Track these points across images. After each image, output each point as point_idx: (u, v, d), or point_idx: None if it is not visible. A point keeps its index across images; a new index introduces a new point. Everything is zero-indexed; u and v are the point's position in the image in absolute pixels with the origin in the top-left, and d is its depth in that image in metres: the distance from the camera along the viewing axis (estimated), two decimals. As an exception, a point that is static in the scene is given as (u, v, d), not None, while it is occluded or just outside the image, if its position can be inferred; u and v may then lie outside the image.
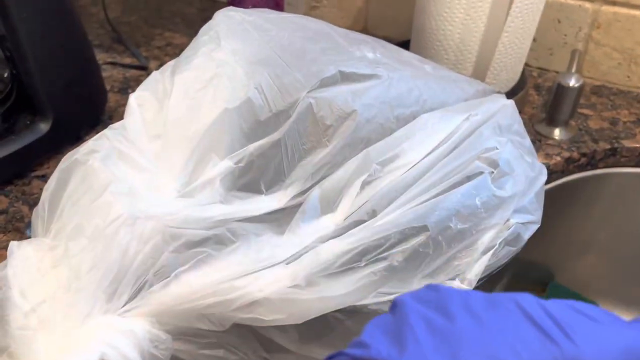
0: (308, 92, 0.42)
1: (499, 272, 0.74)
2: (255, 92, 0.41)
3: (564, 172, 0.68)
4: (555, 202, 0.70)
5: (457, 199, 0.37)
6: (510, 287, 0.77)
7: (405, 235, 0.36)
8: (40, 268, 0.34)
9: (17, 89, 0.61)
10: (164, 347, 0.34)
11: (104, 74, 0.81)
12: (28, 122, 0.61)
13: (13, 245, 0.35)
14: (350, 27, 0.67)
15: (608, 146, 0.68)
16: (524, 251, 0.74)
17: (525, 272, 0.78)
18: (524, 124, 0.71)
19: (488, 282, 0.71)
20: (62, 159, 0.39)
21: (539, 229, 0.72)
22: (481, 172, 0.39)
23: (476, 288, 0.60)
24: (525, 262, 0.77)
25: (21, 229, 0.55)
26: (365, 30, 0.93)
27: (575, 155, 0.67)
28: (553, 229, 0.74)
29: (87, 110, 0.67)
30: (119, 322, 0.33)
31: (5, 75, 0.60)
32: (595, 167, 0.70)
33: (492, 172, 0.40)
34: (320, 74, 0.43)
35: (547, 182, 0.68)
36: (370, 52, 0.49)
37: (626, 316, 0.80)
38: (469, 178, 0.39)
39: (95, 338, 0.32)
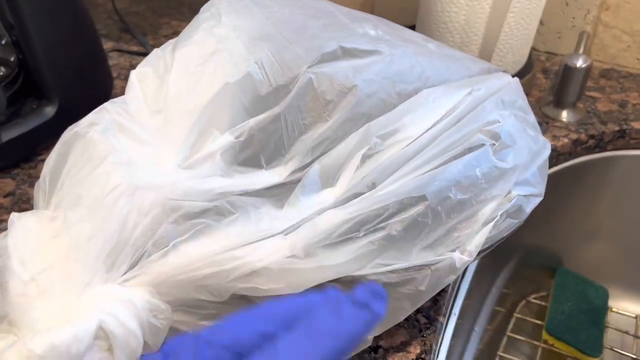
0: (308, 67, 0.42)
1: (505, 256, 0.74)
2: (256, 67, 0.41)
3: (571, 155, 0.67)
4: (562, 184, 0.69)
5: (457, 169, 0.37)
6: (518, 272, 0.76)
7: (404, 205, 0.35)
8: (41, 238, 0.34)
9: (24, 73, 0.61)
10: (163, 317, 0.34)
11: (111, 62, 0.81)
12: (34, 106, 0.61)
13: (14, 216, 0.35)
14: (356, 12, 0.67)
15: (617, 128, 0.68)
16: (531, 235, 0.74)
17: (532, 258, 0.77)
18: (531, 106, 0.71)
19: (493, 268, 0.70)
20: (63, 133, 0.39)
21: (545, 212, 0.71)
22: (482, 144, 0.39)
23: (483, 263, 0.60)
24: (532, 247, 0.76)
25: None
26: (371, 17, 0.92)
27: (583, 137, 0.67)
28: (560, 213, 0.73)
29: (94, 95, 0.67)
30: (118, 291, 0.33)
31: (12, 59, 0.61)
32: (604, 149, 0.69)
33: (494, 144, 0.40)
34: (321, 49, 0.43)
35: (553, 165, 0.67)
36: (373, 29, 0.49)
37: (637, 303, 0.79)
38: (470, 150, 0.39)
39: (94, 306, 0.32)
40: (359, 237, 0.35)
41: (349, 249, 0.35)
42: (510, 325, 0.76)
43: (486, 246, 0.38)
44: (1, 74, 0.60)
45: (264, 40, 0.43)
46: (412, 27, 0.77)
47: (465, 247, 0.37)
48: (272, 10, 0.46)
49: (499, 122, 0.42)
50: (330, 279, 0.35)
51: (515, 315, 0.77)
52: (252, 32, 0.43)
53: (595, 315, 0.73)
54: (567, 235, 0.77)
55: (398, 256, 0.36)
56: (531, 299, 0.80)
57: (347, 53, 0.44)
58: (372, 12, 0.93)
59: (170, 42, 0.45)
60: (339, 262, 0.35)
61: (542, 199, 0.41)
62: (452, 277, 0.37)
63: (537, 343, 0.73)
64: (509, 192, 0.39)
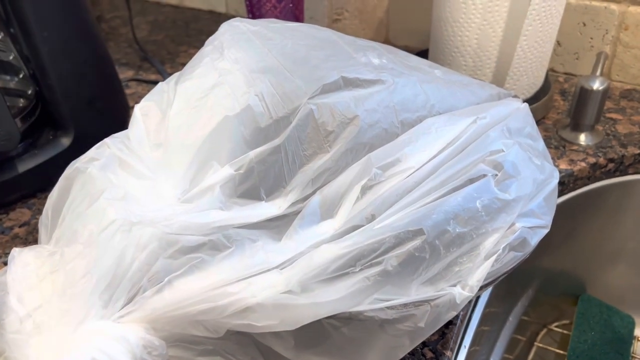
0: (309, 98, 0.42)
1: (524, 283, 0.72)
2: (256, 99, 0.41)
3: (590, 179, 0.65)
4: (581, 209, 0.67)
5: (456, 202, 0.36)
6: (538, 299, 0.74)
7: (400, 239, 0.35)
8: (39, 274, 0.35)
9: (41, 105, 0.63)
10: (157, 354, 0.34)
11: (129, 91, 0.83)
12: (50, 137, 0.63)
13: (14, 251, 0.36)
14: (372, 39, 0.67)
15: (637, 151, 0.66)
16: (551, 261, 0.72)
17: (553, 284, 0.75)
18: (548, 130, 0.70)
19: (510, 295, 0.68)
20: (66, 168, 0.40)
21: (565, 236, 0.70)
22: (484, 175, 0.38)
23: (495, 293, 0.58)
24: (553, 273, 0.74)
25: (41, 240, 0.56)
26: (386, 41, 0.93)
27: (602, 160, 0.65)
28: (580, 238, 0.71)
29: (109, 125, 0.68)
30: (112, 328, 0.33)
31: (30, 92, 0.62)
32: (624, 172, 0.67)
33: (496, 175, 0.39)
34: (322, 80, 0.43)
35: (571, 189, 0.66)
36: (377, 58, 0.49)
37: (667, 331, 0.76)
38: (471, 181, 0.38)
39: (87, 343, 0.32)
40: (355, 272, 0.35)
41: (345, 285, 0.34)
42: (531, 355, 0.73)
43: (489, 280, 0.37)
44: (20, 106, 0.62)
45: (264, 73, 0.43)
46: (426, 52, 0.77)
47: (466, 282, 0.36)
48: (274, 42, 0.46)
49: (503, 151, 0.41)
50: (326, 315, 0.34)
51: (537, 344, 0.75)
52: (253, 64, 0.44)
53: (620, 345, 0.70)
54: (589, 260, 0.75)
55: (396, 292, 0.35)
56: (553, 327, 0.77)
57: (349, 83, 0.44)
58: (386, 37, 0.93)
59: (175, 76, 0.46)
60: (334, 297, 0.34)
61: (548, 230, 0.39)
62: (453, 313, 0.36)
63: (559, 374, 0.71)
64: (513, 224, 0.38)
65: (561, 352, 0.73)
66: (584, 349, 0.70)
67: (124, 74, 0.87)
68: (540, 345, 0.75)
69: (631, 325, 0.73)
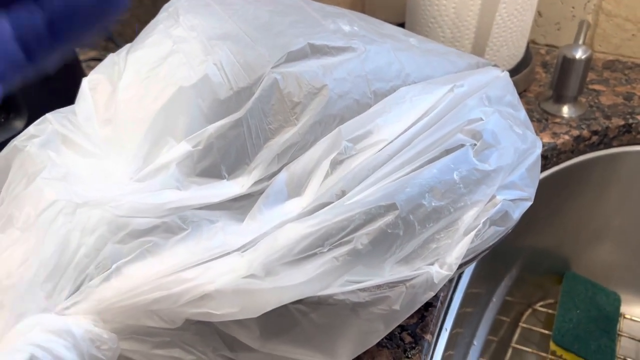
0: (273, 67, 0.38)
1: (507, 263, 0.70)
2: (214, 68, 0.38)
3: (573, 152, 0.63)
4: (565, 184, 0.65)
5: (432, 174, 0.33)
6: (522, 279, 0.72)
7: (371, 215, 0.32)
8: (-28, 264, 0.31)
9: (-9, 86, 0.59)
10: (107, 348, 0.31)
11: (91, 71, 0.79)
12: (2, 120, 0.59)
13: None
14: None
15: (622, 122, 0.63)
16: (534, 239, 0.70)
17: (537, 263, 0.73)
18: (530, 102, 0.67)
19: (493, 275, 0.66)
20: (5, 147, 0.36)
21: (548, 213, 0.67)
22: (462, 145, 0.35)
23: (477, 274, 0.56)
24: (536, 252, 0.72)
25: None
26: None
27: (586, 133, 0.62)
28: (564, 214, 0.69)
29: (66, 106, 0.64)
30: (56, 321, 0.30)
31: (-22, 72, 0.58)
32: (609, 145, 0.65)
33: (475, 145, 0.36)
34: (287, 47, 0.39)
35: (554, 164, 0.63)
36: (347, 25, 0.46)
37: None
38: (448, 152, 0.35)
39: (25, 340, 0.29)
40: (323, 252, 0.32)
41: (312, 266, 0.31)
42: (516, 336, 0.71)
43: (469, 257, 0.35)
44: (-31, 87, 0.58)
45: (224, 40, 0.40)
46: (403, 25, 0.74)
47: (444, 260, 0.33)
48: (235, 8, 0.43)
49: (482, 120, 0.38)
50: (292, 300, 0.31)
51: (521, 325, 0.73)
52: (212, 31, 0.40)
53: (606, 322, 0.68)
54: (574, 237, 0.73)
55: (369, 272, 0.32)
56: (538, 306, 0.76)
57: (316, 50, 0.41)
58: (362, 9, 0.90)
59: (126, 47, 0.42)
60: (301, 281, 0.31)
61: (531, 203, 0.37)
62: (430, 294, 0.33)
63: (544, 354, 0.69)
64: (494, 197, 0.35)
65: (546, 332, 0.71)
66: (569, 327, 0.68)
67: (87, 54, 0.83)
68: (525, 325, 0.73)
69: (617, 302, 0.71)
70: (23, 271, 0.30)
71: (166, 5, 0.44)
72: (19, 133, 0.58)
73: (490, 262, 0.60)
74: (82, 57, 0.80)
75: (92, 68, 0.79)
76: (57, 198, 0.31)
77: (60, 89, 0.62)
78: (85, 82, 0.40)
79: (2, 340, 0.29)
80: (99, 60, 0.81)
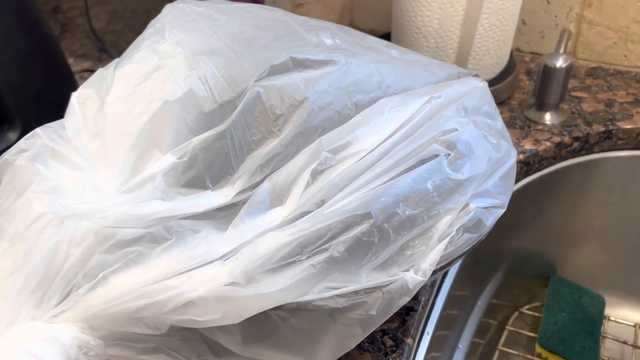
0: (256, 80, 0.40)
1: (492, 266, 0.71)
2: (199, 83, 0.39)
3: (555, 158, 0.64)
4: (547, 189, 0.66)
5: (406, 183, 0.35)
6: (508, 282, 0.73)
7: (347, 224, 0.33)
8: (-36, 274, 0.32)
9: (-15, 98, 0.60)
10: (94, 354, 0.32)
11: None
12: (-4, 132, 0.60)
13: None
14: (337, 23, 0.65)
15: (602, 129, 0.65)
16: (519, 243, 0.71)
17: (523, 266, 0.74)
18: (513, 110, 0.69)
19: (478, 279, 0.67)
20: (-5, 162, 0.37)
21: (533, 218, 0.69)
22: (436, 155, 0.37)
23: (461, 277, 0.57)
24: (522, 255, 0.73)
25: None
26: (351, 25, 0.91)
27: (567, 139, 0.64)
28: (548, 218, 0.70)
29: (60, 118, 0.66)
30: (44, 329, 0.31)
31: (-28, 85, 0.59)
32: (590, 151, 0.66)
33: (449, 155, 0.37)
34: (270, 61, 0.41)
35: (537, 170, 0.65)
36: (330, 38, 0.47)
37: (636, 311, 0.76)
38: (423, 162, 0.37)
39: (15, 347, 0.30)
40: (301, 260, 0.33)
41: (291, 274, 0.32)
42: (503, 339, 0.73)
43: (443, 263, 0.36)
44: (-38, 100, 0.59)
45: (208, 55, 0.41)
46: (388, 35, 0.75)
47: (419, 266, 0.34)
48: (220, 23, 0.44)
49: (456, 130, 0.39)
50: (272, 306, 0.32)
51: (508, 327, 0.74)
52: (197, 46, 0.41)
53: (590, 324, 0.70)
54: (558, 241, 0.74)
55: (346, 279, 0.33)
56: (524, 310, 0.77)
57: (298, 64, 0.42)
58: (351, 21, 0.91)
59: (114, 62, 0.44)
60: (280, 287, 0.32)
61: (504, 210, 0.38)
62: (406, 299, 0.34)
63: (530, 357, 0.70)
64: (467, 205, 0.37)
65: (533, 334, 0.72)
66: (554, 330, 0.69)
67: (80, 65, 0.84)
68: (512, 328, 0.74)
69: (601, 305, 0.72)
70: (12, 281, 0.32)
71: (153, 21, 0.46)
72: (12, 145, 0.59)
73: (475, 266, 0.62)
74: (75, 69, 0.81)
75: (85, 79, 0.81)
76: (45, 211, 0.32)
77: (53, 100, 0.64)
78: (74, 97, 0.41)
79: (-8, 347, 0.31)
80: (92, 71, 0.83)
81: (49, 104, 0.63)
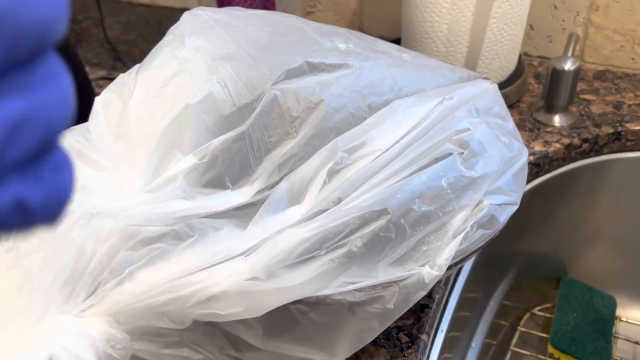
0: (273, 84, 0.41)
1: (503, 268, 0.72)
2: (218, 87, 0.41)
3: (565, 160, 0.65)
4: (558, 191, 0.67)
5: (421, 181, 0.36)
6: (519, 284, 0.74)
7: (364, 219, 0.34)
8: (-4, 271, 0.34)
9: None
10: (121, 347, 0.33)
11: (100, 90, 0.82)
12: (17, 138, 0.61)
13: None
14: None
15: (611, 130, 0.66)
16: (530, 245, 0.72)
17: (534, 267, 0.75)
18: (523, 113, 0.70)
19: (489, 280, 0.68)
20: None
21: (543, 219, 0.69)
22: (450, 154, 0.38)
23: (473, 278, 0.58)
24: (533, 257, 0.74)
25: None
26: (361, 31, 0.92)
27: (576, 141, 0.65)
28: (559, 220, 0.71)
29: (79, 123, 0.67)
30: (73, 323, 0.32)
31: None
32: (599, 152, 0.67)
33: (462, 153, 0.38)
34: (286, 65, 0.42)
35: (547, 171, 0.66)
36: (343, 43, 0.48)
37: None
38: (437, 160, 0.38)
39: (46, 340, 0.31)
40: (320, 255, 0.34)
41: (310, 268, 0.33)
42: (515, 339, 0.73)
43: (458, 259, 0.37)
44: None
45: (227, 60, 0.42)
46: (398, 41, 0.76)
47: (434, 261, 0.35)
48: (237, 29, 0.45)
49: (469, 130, 0.40)
50: (292, 300, 0.33)
51: (520, 328, 0.75)
52: (215, 52, 0.43)
53: (602, 325, 0.70)
54: (569, 242, 0.75)
55: (363, 273, 0.34)
56: (536, 311, 0.77)
57: (313, 68, 0.43)
58: (360, 28, 0.93)
59: (136, 67, 0.45)
60: (300, 282, 0.33)
61: (517, 207, 0.39)
62: (422, 293, 0.35)
63: (542, 357, 0.70)
64: (480, 202, 0.38)
65: (545, 335, 0.73)
66: (566, 330, 0.69)
67: (96, 73, 0.86)
68: (524, 329, 0.75)
69: (613, 306, 0.73)
70: (43, 277, 0.33)
71: (172, 28, 0.47)
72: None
73: (486, 267, 0.62)
74: (91, 77, 0.83)
75: (101, 86, 0.83)
76: (74, 208, 0.34)
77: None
78: (98, 101, 0.43)
79: (24, 341, 0.32)
80: (108, 79, 0.84)
81: (68, 110, 0.64)
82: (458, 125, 0.41)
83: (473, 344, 0.62)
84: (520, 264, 0.72)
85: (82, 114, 0.64)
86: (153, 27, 1.03)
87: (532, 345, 0.73)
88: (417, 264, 0.35)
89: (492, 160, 0.39)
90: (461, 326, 0.57)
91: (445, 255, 0.35)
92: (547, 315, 0.76)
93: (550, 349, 0.69)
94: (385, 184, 0.37)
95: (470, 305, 0.60)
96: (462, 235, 0.36)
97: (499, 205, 0.38)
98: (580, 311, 0.71)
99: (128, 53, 0.93)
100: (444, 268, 0.35)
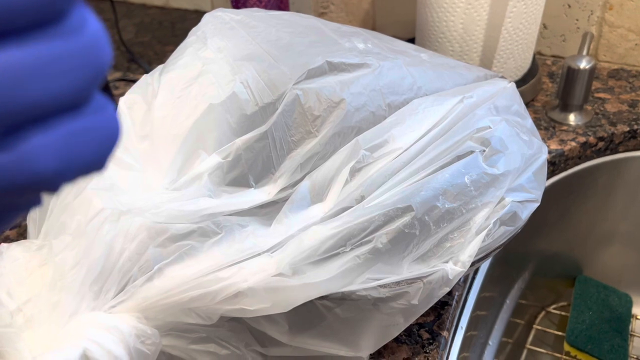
0: (295, 83, 0.42)
1: (519, 267, 0.72)
2: (241, 87, 0.41)
3: (580, 158, 0.65)
4: (573, 189, 0.67)
5: (444, 178, 0.36)
6: (535, 282, 0.74)
7: (389, 216, 0.34)
8: (28, 268, 0.34)
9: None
10: (151, 342, 0.34)
11: (117, 92, 0.83)
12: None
13: (2, 247, 0.36)
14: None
15: (627, 128, 0.66)
16: (545, 243, 0.72)
17: (550, 266, 0.75)
18: (537, 112, 0.70)
19: (506, 278, 0.68)
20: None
21: (558, 218, 0.70)
22: (472, 151, 0.38)
23: (490, 276, 0.58)
24: (548, 256, 0.74)
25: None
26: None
27: (592, 139, 0.65)
28: (574, 218, 0.71)
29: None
30: (104, 319, 0.33)
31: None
32: (615, 151, 0.67)
33: (484, 151, 0.39)
34: (307, 65, 0.43)
35: (562, 170, 0.66)
36: (361, 43, 0.49)
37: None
38: (459, 158, 0.38)
39: (79, 335, 0.32)
40: (345, 251, 0.34)
41: (336, 265, 0.34)
42: (531, 338, 0.73)
43: (481, 255, 0.37)
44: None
45: (249, 60, 0.43)
46: (413, 40, 0.77)
47: (458, 258, 0.36)
48: (258, 30, 0.46)
49: (490, 128, 0.41)
50: (318, 296, 0.34)
51: (535, 327, 0.75)
52: (237, 52, 0.43)
53: (618, 323, 0.70)
54: (584, 241, 0.75)
55: (388, 270, 0.35)
56: (551, 309, 0.77)
57: (334, 68, 0.44)
58: (373, 28, 0.93)
59: (159, 68, 0.46)
60: (325, 278, 0.34)
61: (538, 204, 0.39)
62: (446, 289, 0.35)
63: (558, 355, 0.70)
64: (503, 199, 0.38)
65: (560, 333, 0.73)
66: (582, 329, 0.69)
67: (111, 75, 0.87)
68: (539, 327, 0.75)
69: (629, 304, 0.73)
70: (75, 273, 0.33)
71: (194, 29, 0.48)
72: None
73: (503, 266, 0.63)
74: (108, 78, 0.84)
75: (117, 88, 0.83)
76: (104, 206, 0.34)
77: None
78: (122, 102, 0.43)
79: (57, 336, 0.32)
80: (124, 80, 0.85)
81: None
82: (479, 123, 0.41)
83: (490, 342, 0.63)
84: (535, 263, 0.73)
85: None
86: (167, 28, 1.04)
87: (547, 343, 0.74)
88: (441, 261, 0.36)
89: (513, 157, 0.39)
90: (479, 325, 0.57)
91: (468, 252, 0.36)
92: (563, 313, 0.76)
93: (567, 347, 0.69)
94: (408, 182, 0.37)
95: (487, 305, 0.60)
96: (485, 232, 0.36)
97: (520, 202, 0.38)
98: (596, 309, 0.71)
99: (142, 55, 0.94)
100: (468, 264, 0.35)
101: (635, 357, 0.69)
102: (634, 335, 0.71)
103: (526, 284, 0.72)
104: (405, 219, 0.34)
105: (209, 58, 0.43)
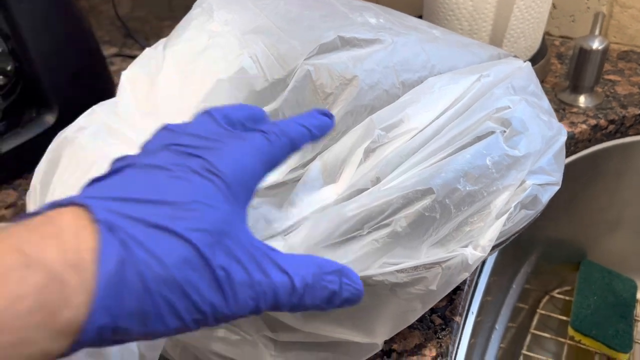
0: (306, 59, 0.40)
1: (526, 251, 0.71)
2: (250, 61, 0.39)
3: (590, 141, 0.64)
4: (582, 173, 0.66)
5: (465, 159, 0.35)
6: (540, 267, 0.73)
7: (408, 199, 0.33)
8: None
9: (22, 82, 0.60)
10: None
11: (114, 68, 0.80)
12: (34, 115, 0.60)
13: (1, 226, 0.34)
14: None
15: (638, 111, 0.64)
16: (551, 228, 0.71)
17: (554, 251, 0.74)
18: (547, 93, 0.68)
19: (513, 263, 0.68)
20: (55, 138, 0.37)
21: (565, 202, 0.69)
22: (492, 132, 0.37)
23: (501, 258, 0.57)
24: (553, 240, 0.73)
25: (29, 222, 0.54)
26: (377, 10, 0.90)
27: (603, 122, 0.63)
28: (581, 203, 0.70)
29: (94, 101, 0.65)
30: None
31: (9, 68, 0.59)
32: (625, 134, 0.66)
33: (504, 132, 0.37)
34: (319, 40, 0.41)
35: (572, 153, 0.64)
36: (373, 18, 0.47)
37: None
38: (479, 138, 0.36)
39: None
40: (362, 235, 0.33)
41: (352, 249, 0.33)
42: (535, 322, 0.73)
43: (501, 240, 0.36)
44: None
45: (258, 34, 0.41)
46: (420, 18, 0.75)
47: (478, 242, 0.34)
48: (266, 3, 0.44)
49: (509, 108, 0.39)
50: (334, 281, 0.32)
51: (539, 311, 0.74)
52: (245, 25, 0.41)
53: (623, 308, 0.70)
54: (590, 226, 0.74)
55: (406, 254, 0.34)
56: (555, 294, 0.77)
57: (346, 43, 0.42)
58: (378, 3, 0.91)
59: (162, 41, 0.44)
60: (342, 262, 0.32)
61: (559, 187, 0.38)
62: (465, 275, 0.34)
63: (563, 340, 0.70)
64: (523, 182, 0.36)
65: (564, 318, 0.72)
66: (587, 314, 0.69)
67: (107, 51, 0.84)
68: (543, 312, 0.74)
69: (634, 289, 0.72)
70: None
71: (199, 2, 0.45)
72: (50, 127, 0.60)
73: (511, 251, 0.62)
74: (104, 54, 0.81)
75: (113, 64, 0.81)
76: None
77: (87, 84, 0.64)
78: (124, 77, 0.41)
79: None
80: (121, 56, 0.83)
81: (84, 87, 0.63)
82: (497, 103, 0.39)
83: (497, 327, 0.62)
84: (541, 247, 0.72)
85: (97, 90, 0.62)
86: (163, 4, 1.01)
87: (551, 327, 0.73)
88: (459, 245, 0.35)
89: (534, 139, 0.38)
90: (486, 310, 0.57)
91: (488, 236, 0.34)
92: (567, 298, 0.75)
93: (571, 332, 0.69)
94: (426, 163, 0.36)
95: (495, 290, 0.59)
96: (505, 215, 0.35)
97: (541, 185, 0.37)
98: (601, 294, 0.71)
99: (138, 30, 0.91)
100: (488, 249, 0.34)
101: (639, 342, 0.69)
102: (639, 320, 0.71)
103: (531, 269, 0.71)
104: (426, 201, 0.33)
105: (215, 31, 0.41)
